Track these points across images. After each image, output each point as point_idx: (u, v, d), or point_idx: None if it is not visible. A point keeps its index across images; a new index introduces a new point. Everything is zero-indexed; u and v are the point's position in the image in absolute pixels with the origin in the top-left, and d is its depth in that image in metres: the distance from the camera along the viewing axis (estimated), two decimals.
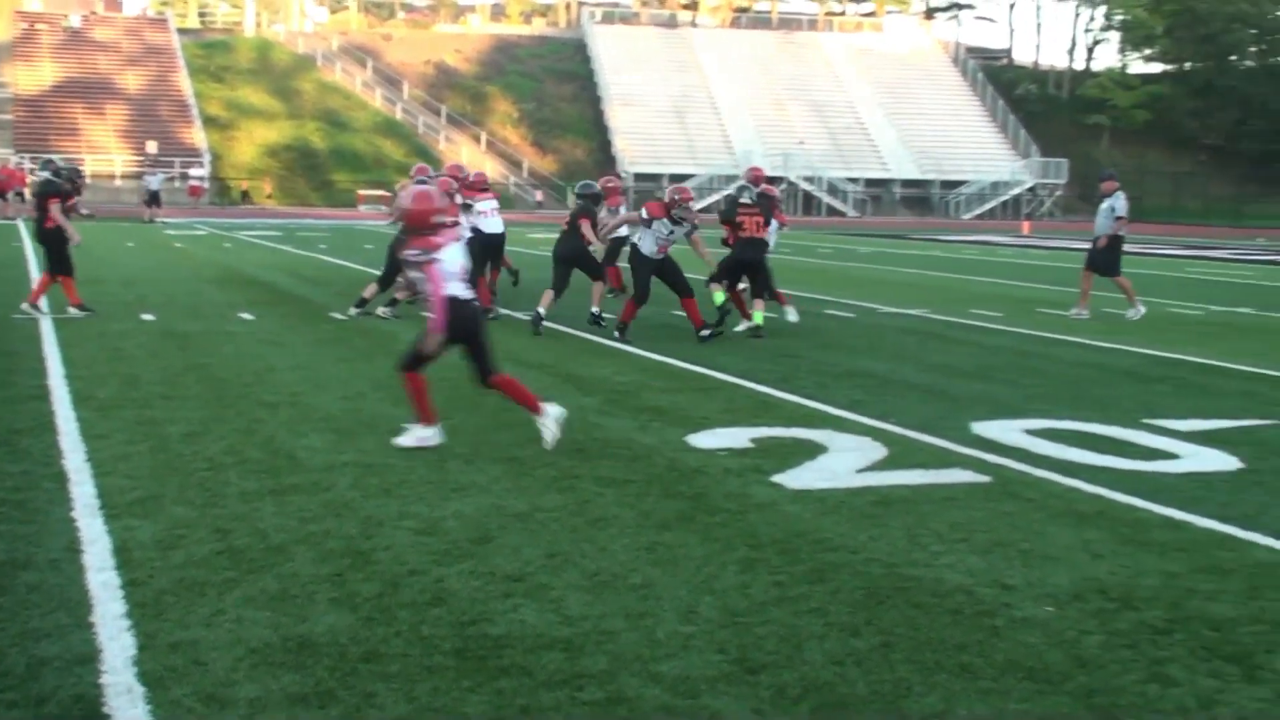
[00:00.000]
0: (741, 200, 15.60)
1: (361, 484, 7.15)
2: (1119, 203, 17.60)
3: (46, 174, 16.05)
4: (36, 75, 71.55)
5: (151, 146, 64.42)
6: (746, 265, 15.15)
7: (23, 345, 12.42)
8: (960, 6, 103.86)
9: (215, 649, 4.64)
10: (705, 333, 14.01)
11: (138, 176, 50.40)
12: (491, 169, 73.68)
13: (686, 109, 79.57)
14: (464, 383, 10.71)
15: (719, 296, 15.08)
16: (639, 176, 73.35)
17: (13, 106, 68.34)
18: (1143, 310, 17.49)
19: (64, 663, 4.48)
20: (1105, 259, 17.75)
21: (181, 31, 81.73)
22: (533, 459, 7.86)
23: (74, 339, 12.90)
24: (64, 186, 15.78)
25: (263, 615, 5.00)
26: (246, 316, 15.39)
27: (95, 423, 8.68)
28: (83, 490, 6.85)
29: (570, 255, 15.21)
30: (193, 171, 62.36)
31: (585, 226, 15.09)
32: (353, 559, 5.75)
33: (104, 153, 65.24)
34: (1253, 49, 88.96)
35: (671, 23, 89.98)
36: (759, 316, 14.78)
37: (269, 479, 7.22)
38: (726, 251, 15.22)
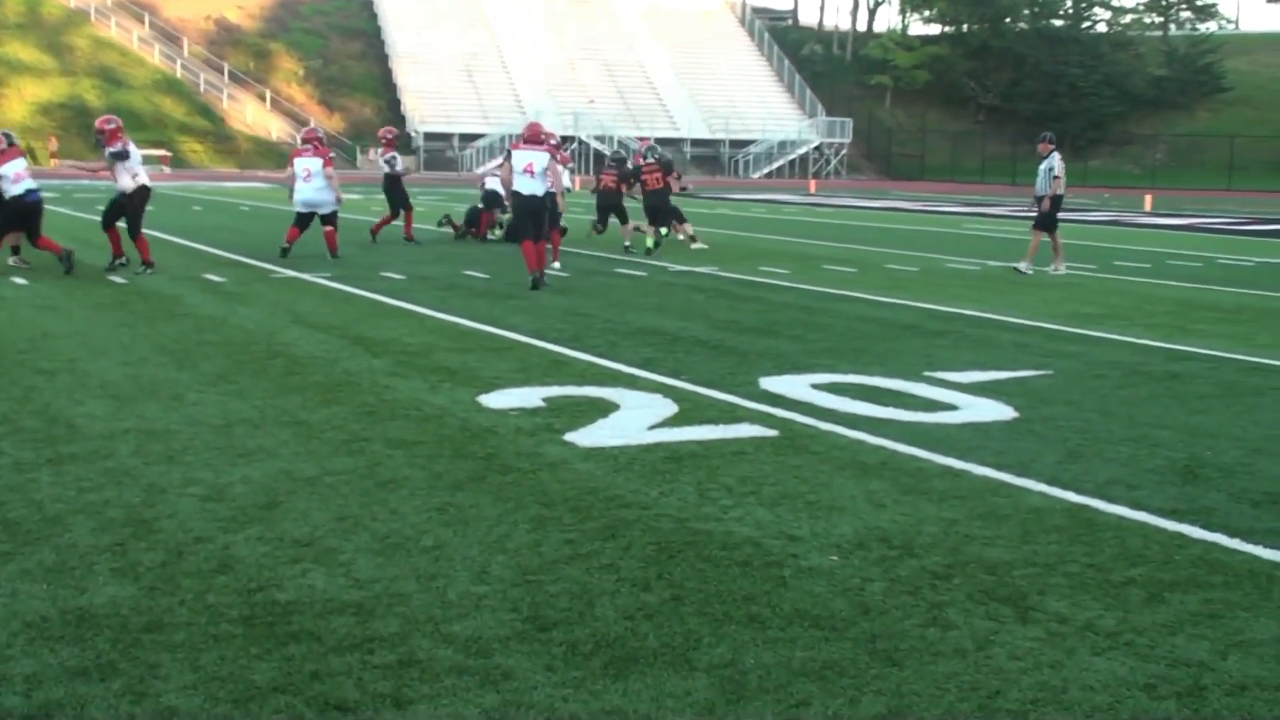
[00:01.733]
0: (646, 161, 21.67)
1: (144, 451, 6.97)
2: (1055, 162, 18.86)
3: None
4: None
5: None
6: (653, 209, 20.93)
7: None
8: None
9: None
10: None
11: None
12: (278, 128, 72.16)
13: (476, 68, 78.92)
14: (251, 345, 10.53)
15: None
16: (429, 136, 72.62)
17: None
18: (1064, 269, 18.73)
19: None
20: (1049, 218, 18.92)
21: None
22: (321, 423, 7.75)
23: None
24: None
25: (39, 588, 4.84)
26: (19, 281, 14.83)
27: None
28: None
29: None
30: None
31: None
32: (135, 528, 5.60)
33: None
34: (1026, 12, 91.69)
35: None
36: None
37: (45, 448, 6.99)
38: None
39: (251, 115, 72.54)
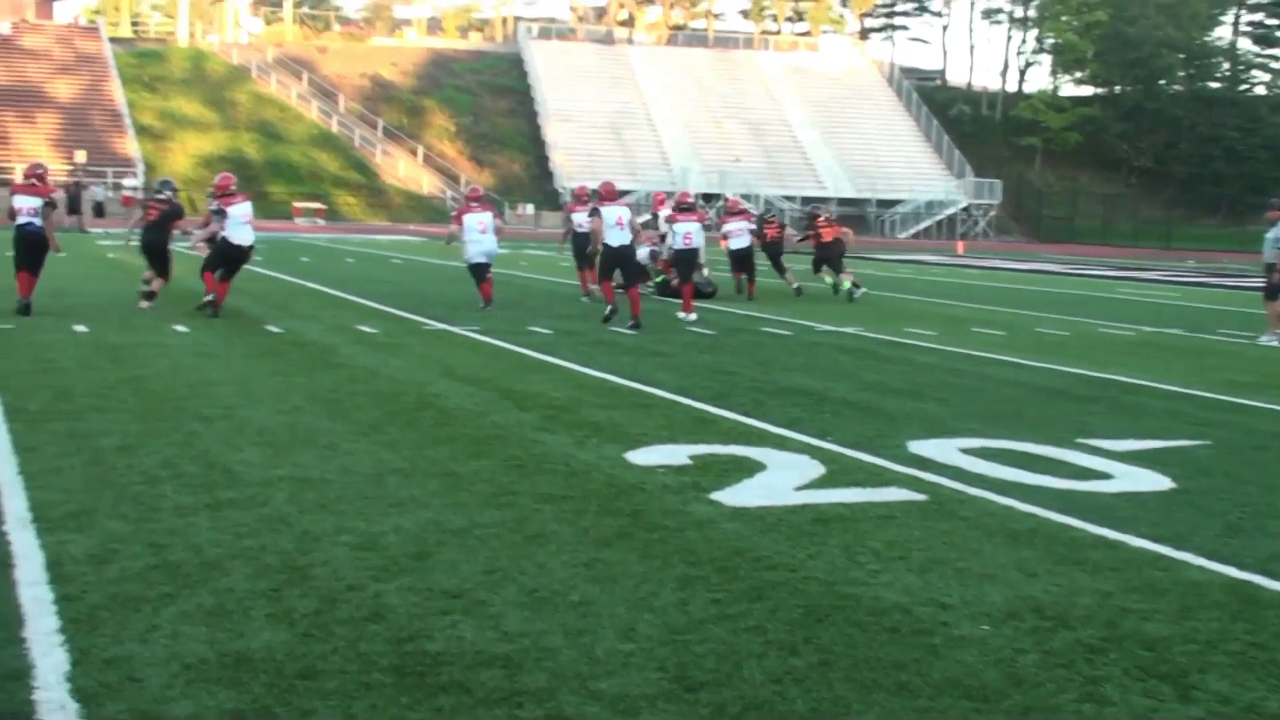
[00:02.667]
0: (819, 216, 25.21)
1: (298, 499, 7.10)
2: None
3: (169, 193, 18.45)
4: None
5: (80, 156, 63.71)
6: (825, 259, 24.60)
7: None
8: (894, 28, 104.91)
9: (150, 665, 4.59)
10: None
11: (70, 186, 49.99)
12: (429, 183, 73.55)
13: (623, 125, 79.69)
14: (402, 396, 10.71)
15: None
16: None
17: None
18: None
19: None
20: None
21: (113, 40, 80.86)
22: (470, 475, 7.84)
23: (3, 350, 12.73)
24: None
25: (199, 631, 4.96)
26: (181, 329, 15.25)
27: (26, 435, 8.58)
28: (14, 504, 6.76)
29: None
30: (126, 182, 61.80)
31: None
32: (290, 574, 5.71)
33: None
34: (1181, 73, 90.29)
35: (608, 39, 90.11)
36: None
37: (205, 493, 7.16)
38: None
39: (404, 170, 74.02)
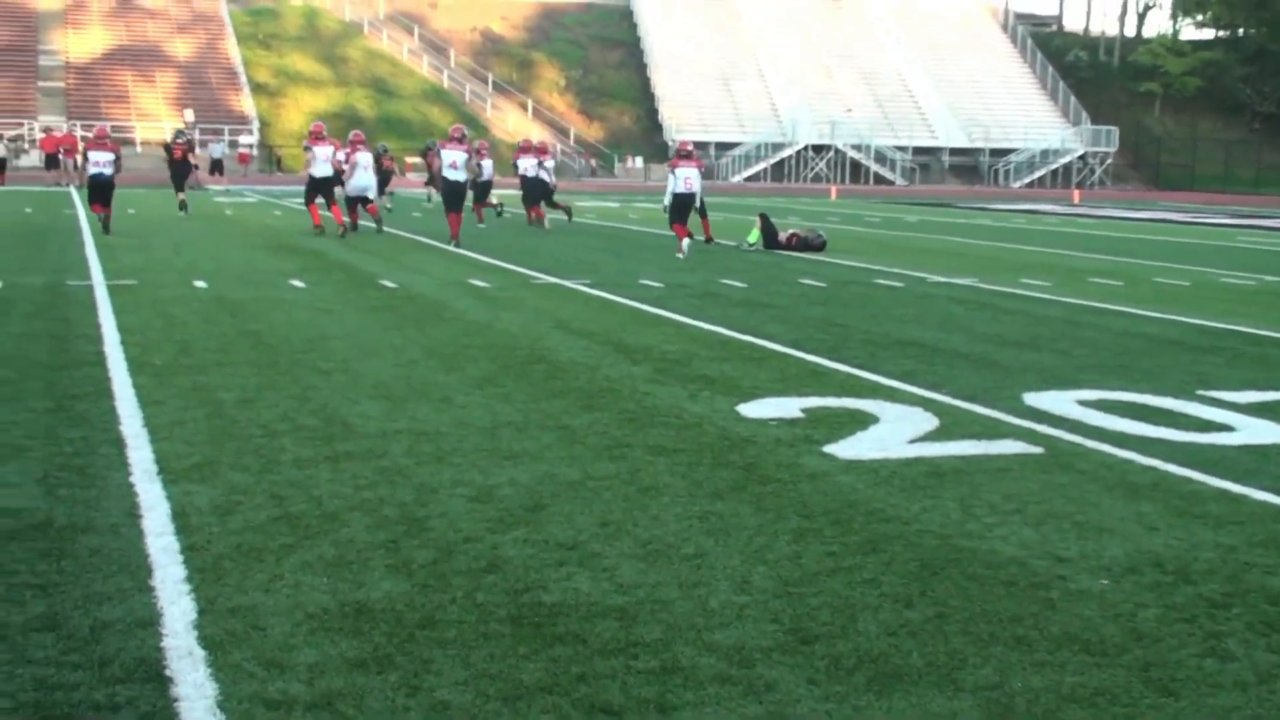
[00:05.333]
0: None
1: (415, 451, 7.19)
2: None
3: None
4: (87, 42, 71.96)
5: (189, 114, 64.65)
6: None
7: (78, 312, 12.54)
8: None
9: (274, 614, 4.69)
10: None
11: (186, 143, 50.85)
12: (538, 137, 73.70)
13: (733, 76, 79.24)
14: (515, 349, 10.79)
15: None
16: None
17: (64, 73, 68.84)
18: None
19: (126, 626, 4.54)
20: None
21: None
22: (583, 428, 7.88)
23: (128, 306, 13.01)
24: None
25: (320, 581, 5.05)
26: (297, 284, 15.48)
27: (151, 389, 8.77)
28: (140, 455, 6.93)
29: None
30: (241, 139, 62.74)
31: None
32: (408, 526, 5.79)
33: (154, 120, 65.59)
34: None
35: None
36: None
37: (323, 446, 7.28)
38: None
39: (513, 124, 74.24)
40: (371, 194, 25.66)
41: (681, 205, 21.15)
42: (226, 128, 64.37)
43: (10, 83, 66.89)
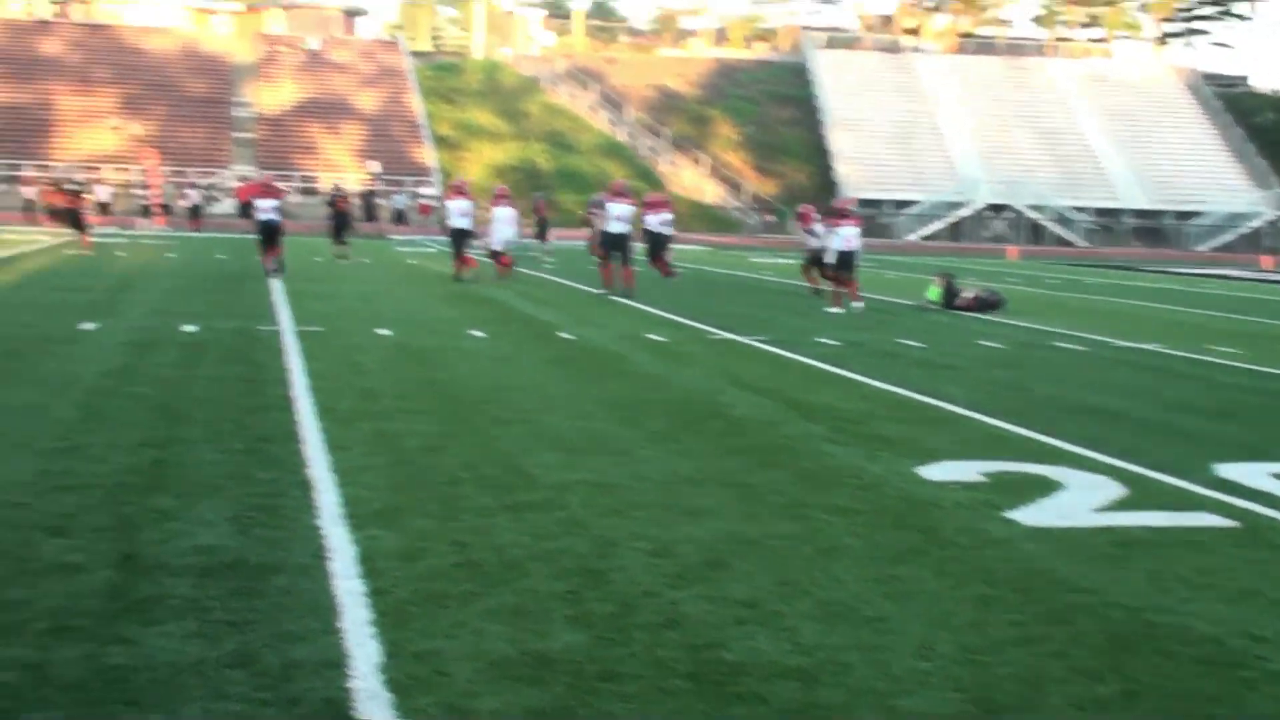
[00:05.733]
0: None
1: (593, 503, 7.23)
2: None
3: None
4: (278, 95, 74.41)
5: (374, 166, 66.31)
6: None
7: (268, 357, 12.90)
8: (1195, 32, 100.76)
9: (457, 660, 4.74)
10: None
11: (369, 195, 52.29)
12: (713, 192, 74.09)
13: (909, 134, 78.74)
14: (692, 404, 10.81)
15: None
16: (861, 202, 72.86)
17: (256, 125, 71.25)
18: None
19: (314, 666, 4.63)
20: None
21: (413, 54, 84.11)
22: (762, 485, 7.85)
23: (315, 352, 13.35)
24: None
25: (502, 629, 5.09)
26: (478, 334, 15.73)
27: (337, 434, 8.97)
28: (328, 499, 7.08)
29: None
30: (423, 190, 64.16)
31: None
32: (587, 578, 5.82)
33: (339, 170, 67.43)
34: None
35: (894, 48, 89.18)
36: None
37: (504, 495, 7.36)
38: None
39: (688, 179, 74.74)
40: (508, 246, 26.48)
41: (844, 263, 21.40)
42: (408, 179, 65.86)
43: (206, 133, 69.42)
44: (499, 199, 26.76)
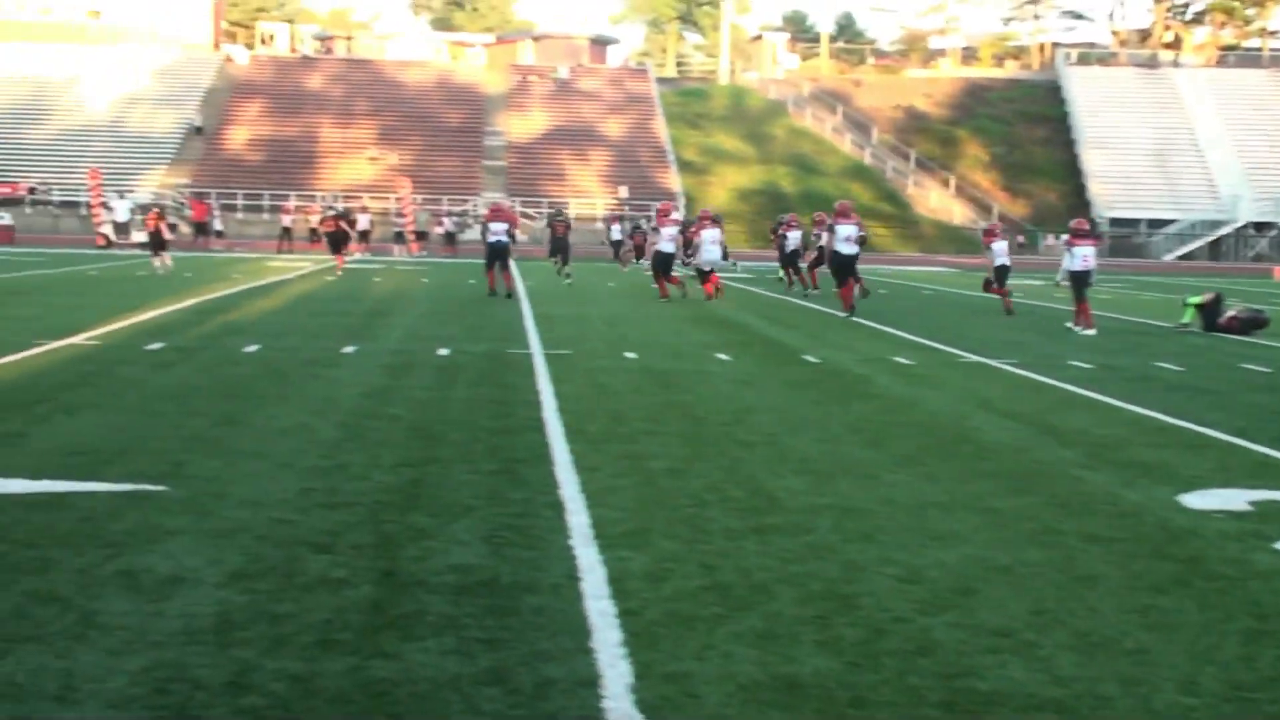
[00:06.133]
0: None
1: (841, 528, 7.18)
2: None
3: None
4: (528, 123, 76.22)
5: (623, 190, 67.27)
6: None
7: (518, 379, 13.18)
8: None
9: (707, 682, 4.76)
10: None
11: (616, 219, 53.07)
12: (960, 213, 73.01)
13: (1167, 152, 76.23)
14: (939, 428, 10.65)
15: None
16: (1114, 221, 70.88)
17: (506, 153, 73.04)
18: None
19: (568, 685, 4.71)
20: None
21: (660, 81, 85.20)
22: (1012, 511, 7.69)
23: (563, 374, 13.58)
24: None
25: (750, 653, 5.09)
26: (722, 357, 15.79)
27: (586, 455, 9.10)
28: (578, 520, 7.18)
29: None
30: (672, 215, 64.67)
31: None
32: (836, 602, 5.77)
33: (587, 196, 68.64)
34: None
35: (1152, 63, 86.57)
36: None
37: (750, 518, 7.36)
38: None
39: (935, 200, 73.83)
40: (715, 267, 27.13)
41: (1080, 281, 21.26)
42: (653, 204, 66.55)
43: (459, 162, 71.53)
44: (704, 221, 27.61)
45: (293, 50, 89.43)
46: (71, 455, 8.61)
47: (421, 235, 55.32)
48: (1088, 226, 22.51)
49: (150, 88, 76.96)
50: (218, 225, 54.82)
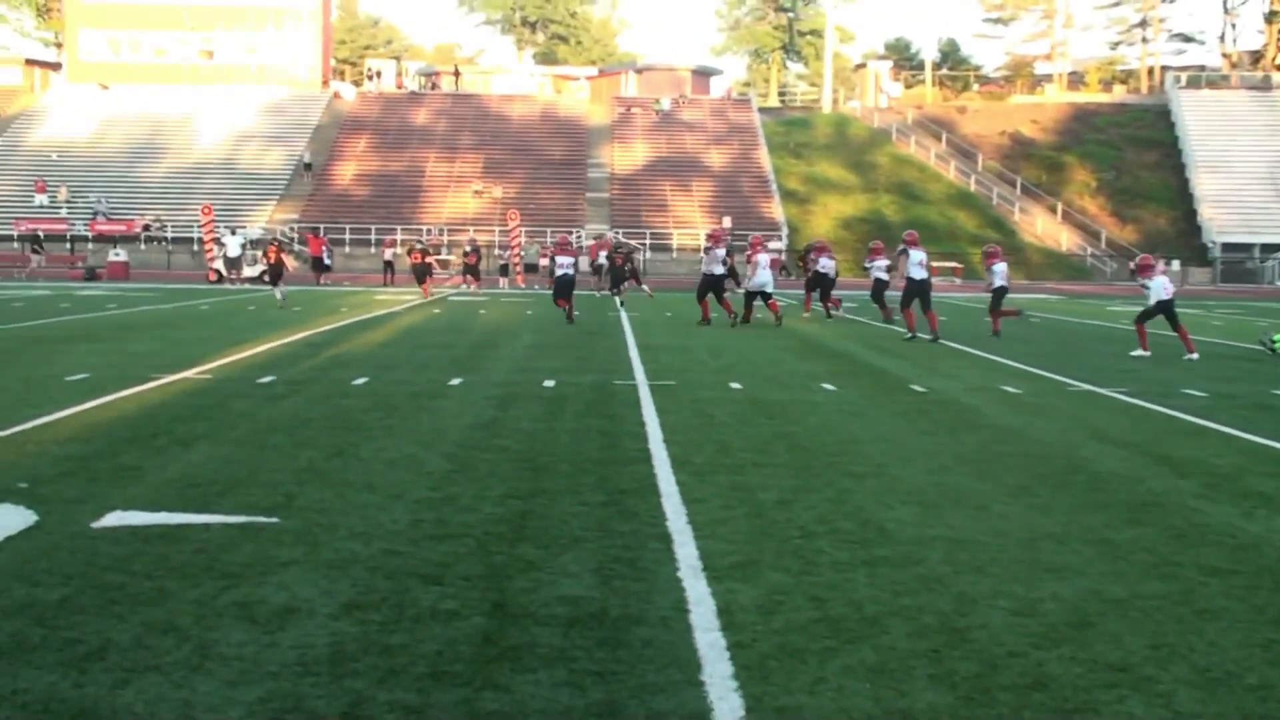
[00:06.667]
0: None
1: (952, 559, 7.11)
2: None
3: None
4: (631, 155, 76.58)
5: (726, 221, 67.28)
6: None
7: (624, 410, 13.21)
8: None
9: (819, 716, 4.73)
10: None
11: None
12: (1068, 240, 72.10)
13: None
14: (1050, 458, 10.50)
15: None
16: (1226, 246, 69.63)
17: (609, 184, 73.41)
18: None
19: (679, 718, 4.70)
20: None
21: (762, 110, 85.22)
22: (1128, 543, 7.56)
23: (668, 405, 13.59)
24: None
25: (862, 686, 5.05)
26: (828, 387, 15.71)
27: (693, 486, 9.09)
28: (686, 551, 7.18)
29: None
30: (771, 244, 64.62)
31: None
32: (948, 636, 5.71)
33: (689, 226, 68.72)
34: None
35: (1265, 84, 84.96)
36: None
37: (860, 549, 7.31)
38: None
39: (1041, 227, 72.97)
40: (770, 288, 27.95)
41: (1165, 310, 21.40)
42: (757, 233, 66.47)
43: (563, 194, 72.01)
44: (756, 246, 28.66)
45: (399, 86, 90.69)
46: (187, 487, 8.77)
47: (531, 268, 55.79)
48: (1151, 260, 23.15)
49: (260, 125, 78.53)
50: (326, 260, 55.67)
